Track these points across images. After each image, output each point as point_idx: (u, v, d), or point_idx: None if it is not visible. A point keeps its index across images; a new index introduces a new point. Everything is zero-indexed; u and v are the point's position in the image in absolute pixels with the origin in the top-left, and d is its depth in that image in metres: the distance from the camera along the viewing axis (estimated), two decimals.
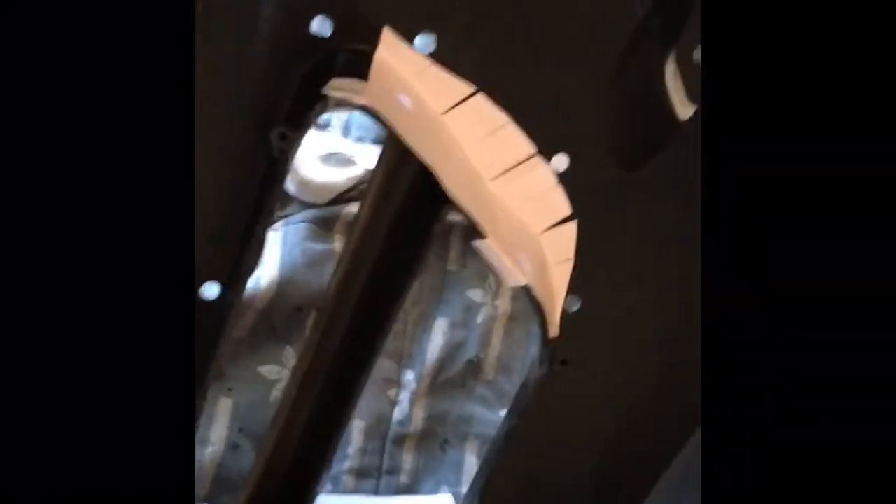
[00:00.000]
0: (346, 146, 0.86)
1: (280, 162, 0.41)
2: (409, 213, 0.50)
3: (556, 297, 0.54)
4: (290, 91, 0.41)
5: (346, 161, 0.86)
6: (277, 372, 0.80)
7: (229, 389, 0.79)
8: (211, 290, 0.45)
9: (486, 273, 0.89)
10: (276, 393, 0.80)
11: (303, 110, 0.41)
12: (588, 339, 0.55)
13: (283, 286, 0.79)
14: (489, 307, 0.90)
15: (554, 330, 0.54)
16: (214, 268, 0.45)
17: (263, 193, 0.43)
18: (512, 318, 0.91)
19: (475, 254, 0.53)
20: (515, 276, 0.51)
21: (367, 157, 0.85)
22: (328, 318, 0.56)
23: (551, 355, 0.52)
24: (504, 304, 0.91)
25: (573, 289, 0.53)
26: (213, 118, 0.41)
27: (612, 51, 0.45)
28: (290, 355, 0.81)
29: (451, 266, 0.89)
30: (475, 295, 0.89)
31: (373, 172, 0.51)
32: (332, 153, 0.86)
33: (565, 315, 0.54)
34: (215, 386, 0.78)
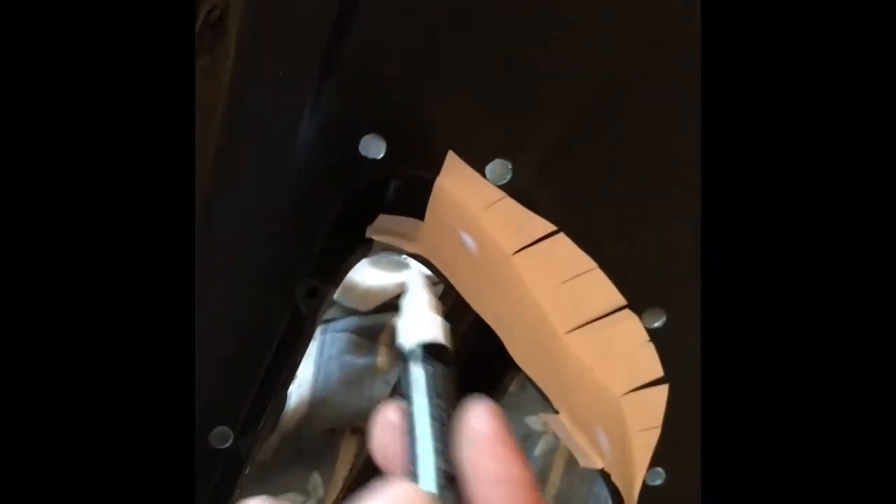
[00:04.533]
0: None
1: (308, 320, 0.33)
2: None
3: (636, 469, 0.46)
4: (326, 227, 0.33)
5: (398, 264, 0.78)
6: (301, 503, 0.71)
7: None
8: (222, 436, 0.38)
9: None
10: None
11: (340, 257, 0.33)
12: None
13: (314, 405, 0.70)
14: (549, 437, 0.78)
15: None
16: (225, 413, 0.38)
17: (286, 352, 0.34)
18: None
19: None
20: (591, 457, 0.41)
21: None
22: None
23: None
24: None
25: (657, 461, 0.45)
26: (227, 257, 0.33)
27: None
28: (318, 484, 0.71)
29: (511, 387, 0.79)
30: (534, 423, 0.78)
31: None
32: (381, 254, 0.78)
33: (645, 488, 0.46)
34: None
